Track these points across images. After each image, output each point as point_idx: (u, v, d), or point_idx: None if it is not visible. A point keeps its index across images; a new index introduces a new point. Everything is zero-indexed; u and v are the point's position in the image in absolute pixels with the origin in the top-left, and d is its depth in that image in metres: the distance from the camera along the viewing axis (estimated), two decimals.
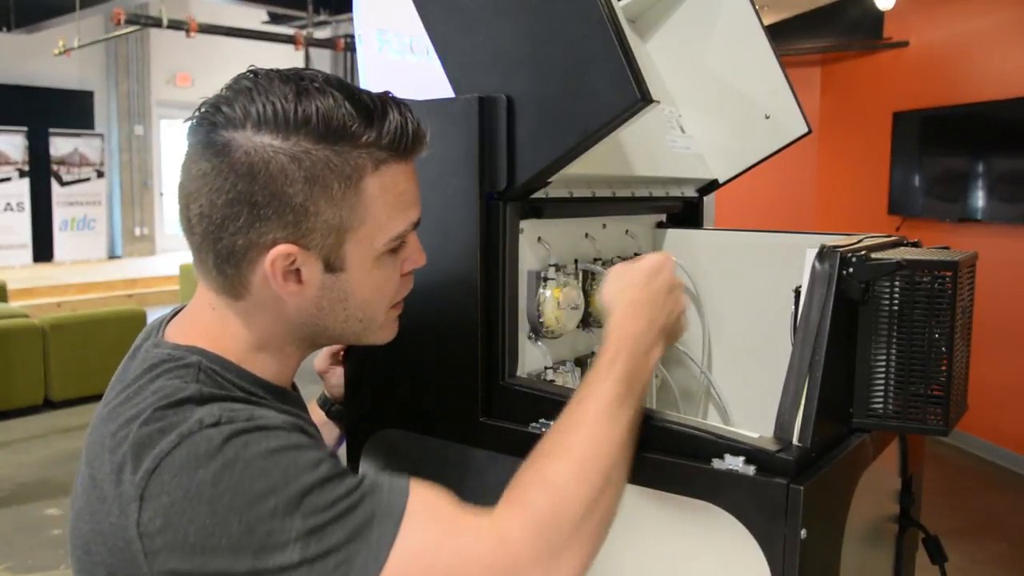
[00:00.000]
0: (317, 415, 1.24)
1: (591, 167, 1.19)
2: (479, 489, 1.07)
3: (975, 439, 5.13)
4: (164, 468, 0.74)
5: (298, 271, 0.83)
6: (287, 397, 0.93)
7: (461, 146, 1.07)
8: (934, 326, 1.00)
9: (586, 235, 1.36)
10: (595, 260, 1.35)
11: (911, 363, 1.01)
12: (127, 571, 0.76)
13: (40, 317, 6.20)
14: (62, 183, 12.17)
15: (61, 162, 12.17)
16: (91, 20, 10.70)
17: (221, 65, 13.79)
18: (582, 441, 0.85)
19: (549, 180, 1.11)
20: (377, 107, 0.83)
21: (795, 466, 0.89)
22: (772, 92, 1.52)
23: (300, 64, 14.01)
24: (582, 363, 1.34)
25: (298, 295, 0.85)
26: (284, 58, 13.41)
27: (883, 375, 1.02)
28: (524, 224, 1.16)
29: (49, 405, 5.98)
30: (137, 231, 13.23)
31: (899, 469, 1.29)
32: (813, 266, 1.00)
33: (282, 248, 0.81)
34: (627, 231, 1.47)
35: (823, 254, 1.00)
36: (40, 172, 11.91)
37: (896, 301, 1.01)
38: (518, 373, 1.14)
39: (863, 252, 1.02)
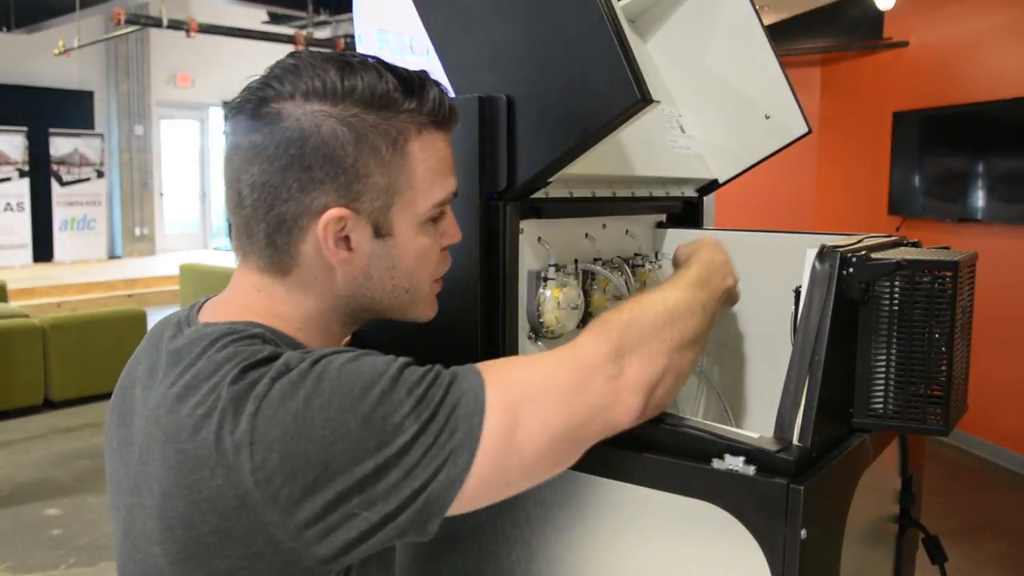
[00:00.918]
0: None
1: (591, 167, 1.19)
2: None
3: (975, 439, 5.14)
4: (265, 408, 0.76)
5: (348, 238, 0.86)
6: None
7: (461, 146, 1.07)
8: (934, 326, 1.00)
9: (586, 235, 1.36)
10: (595, 260, 1.35)
11: (911, 363, 1.01)
12: (243, 529, 0.76)
13: (40, 317, 6.20)
14: (62, 183, 12.17)
15: (61, 162, 12.17)
16: (91, 20, 10.70)
17: (221, 65, 13.91)
18: (651, 295, 0.99)
19: (549, 180, 1.11)
20: (416, 80, 0.87)
21: (795, 466, 0.89)
22: (772, 92, 1.52)
23: None
24: None
25: (348, 263, 0.87)
26: None
27: (883, 375, 1.02)
28: (524, 224, 1.16)
29: (49, 405, 5.98)
30: (137, 231, 13.23)
31: (899, 469, 1.29)
32: (813, 266, 1.00)
33: (335, 212, 0.84)
34: (627, 231, 1.47)
35: (823, 254, 1.00)
36: (40, 172, 11.91)
37: (896, 301, 1.01)
38: None
39: (863, 252, 1.02)
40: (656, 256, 1.53)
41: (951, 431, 1.03)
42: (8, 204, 11.59)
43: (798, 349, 0.98)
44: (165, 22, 9.35)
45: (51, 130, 12.05)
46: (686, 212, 1.58)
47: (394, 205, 0.87)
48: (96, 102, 12.86)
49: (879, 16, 5.94)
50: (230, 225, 0.92)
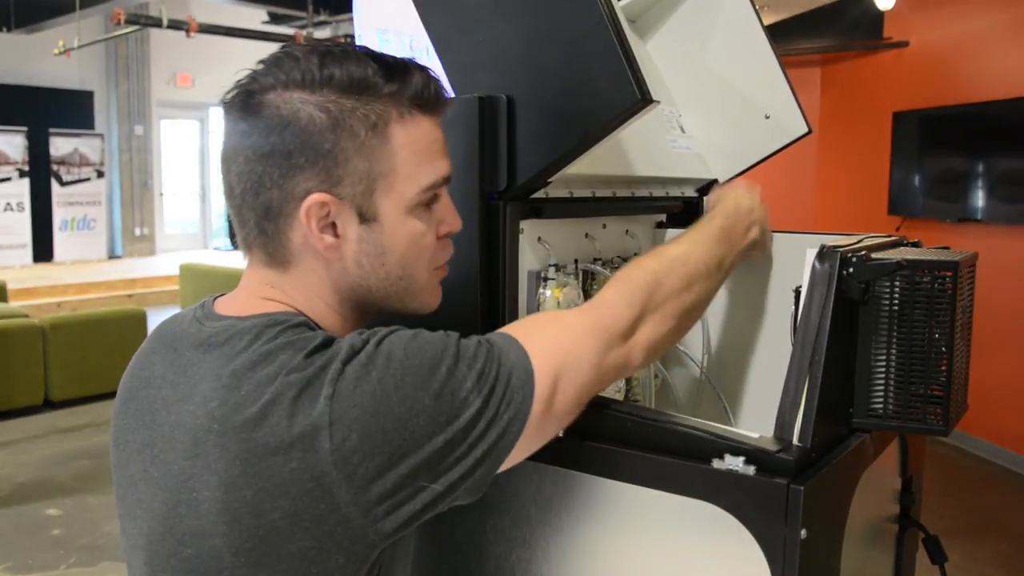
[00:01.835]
0: None
1: (591, 167, 1.19)
2: None
3: (975, 439, 5.14)
4: (341, 389, 0.78)
5: (333, 224, 0.86)
6: None
7: (461, 146, 1.07)
8: (934, 326, 1.00)
9: (586, 235, 1.36)
10: (595, 260, 1.35)
11: (911, 363, 1.01)
12: (316, 510, 0.77)
13: (40, 317, 6.20)
14: (62, 183, 12.17)
15: (61, 162, 12.16)
16: (91, 20, 10.70)
17: (221, 65, 13.85)
18: (674, 251, 1.05)
19: (549, 180, 1.11)
20: (399, 65, 0.87)
21: (795, 466, 0.89)
22: (772, 92, 1.52)
23: None
24: None
25: (336, 250, 0.87)
26: None
27: (883, 375, 1.02)
28: (524, 224, 1.16)
29: (49, 405, 5.98)
30: (137, 231, 13.22)
31: (899, 469, 1.29)
32: (813, 266, 1.00)
33: (316, 197, 0.84)
34: (627, 231, 1.47)
35: (823, 254, 1.00)
36: (40, 172, 11.91)
37: (896, 301, 1.01)
38: None
39: (863, 252, 1.02)
40: None
41: (951, 431, 1.03)
42: (8, 204, 11.59)
43: (798, 349, 0.98)
44: (165, 22, 9.35)
45: (51, 130, 12.04)
46: (686, 212, 1.58)
47: (377, 190, 0.86)
48: (96, 102, 12.86)
49: (879, 16, 5.94)
50: (230, 225, 0.93)
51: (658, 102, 1.00)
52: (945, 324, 1.00)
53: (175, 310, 0.99)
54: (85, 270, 11.29)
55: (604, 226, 1.41)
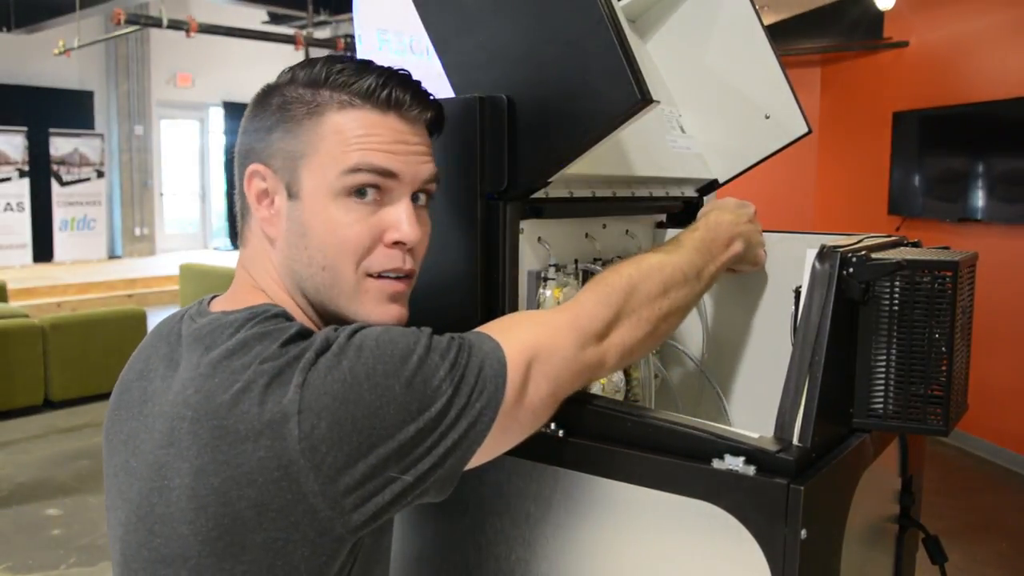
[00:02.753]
0: None
1: (591, 167, 1.19)
2: (479, 489, 1.07)
3: (975, 439, 5.14)
4: (312, 378, 0.79)
5: (269, 196, 0.92)
6: None
7: (461, 146, 1.07)
8: (934, 326, 1.00)
9: (586, 235, 1.36)
10: (595, 260, 1.35)
11: (911, 363, 1.01)
12: (282, 500, 0.77)
13: (40, 317, 6.20)
14: (62, 183, 12.17)
15: (61, 162, 12.17)
16: (91, 20, 10.70)
17: (221, 65, 13.90)
18: (652, 259, 1.07)
19: (549, 180, 1.11)
20: (361, 66, 0.92)
21: (795, 466, 0.89)
22: (772, 92, 1.52)
23: None
24: None
25: (272, 226, 0.92)
26: (284, 58, 13.41)
27: (883, 375, 1.02)
28: (524, 224, 1.16)
29: (49, 405, 5.98)
30: (137, 231, 13.22)
31: (899, 469, 1.29)
32: (813, 266, 1.00)
33: (253, 166, 0.92)
34: (627, 231, 1.47)
35: (823, 254, 1.00)
36: (40, 172, 11.91)
37: (896, 301, 1.01)
38: None
39: (863, 252, 1.02)
40: None
41: (951, 431, 1.03)
42: (8, 204, 11.59)
43: (798, 349, 0.98)
44: (165, 22, 9.35)
45: (51, 130, 12.04)
46: (686, 212, 1.58)
47: (301, 167, 0.90)
48: (96, 102, 12.86)
49: (879, 16, 5.94)
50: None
51: (658, 102, 1.00)
52: (945, 324, 1.00)
53: (175, 310, 1.00)
54: (85, 270, 11.29)
55: (604, 226, 1.41)
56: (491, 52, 1.08)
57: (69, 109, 12.41)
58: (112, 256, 12.87)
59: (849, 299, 1.00)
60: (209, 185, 14.40)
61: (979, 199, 5.18)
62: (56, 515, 4.18)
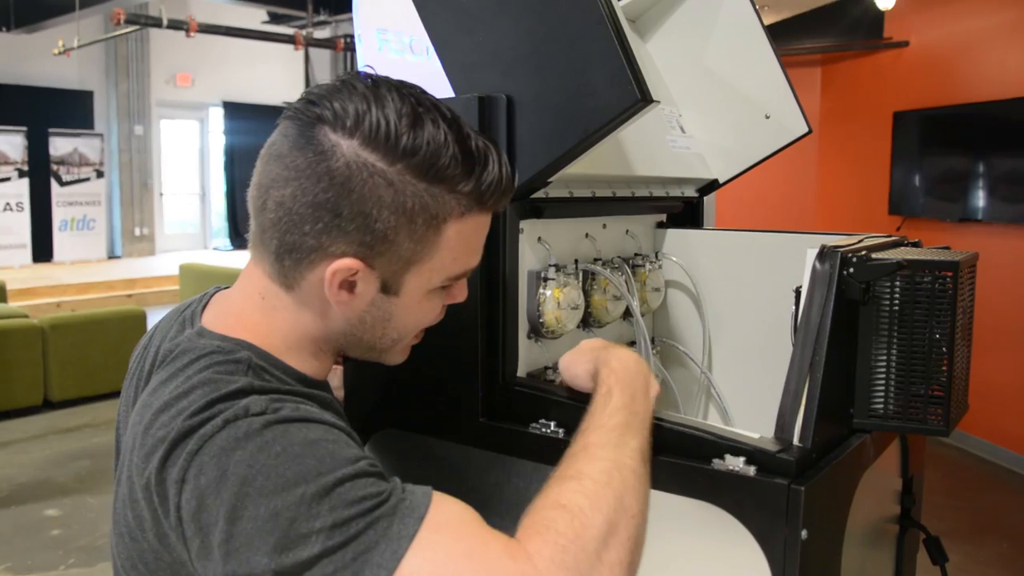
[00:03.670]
0: None
1: (591, 167, 1.19)
2: (479, 489, 1.07)
3: (976, 439, 5.13)
4: (205, 450, 0.74)
5: (353, 283, 0.84)
6: (328, 393, 0.94)
7: None
8: (935, 326, 1.00)
9: (586, 235, 1.36)
10: (595, 260, 1.35)
11: (912, 363, 1.01)
12: (170, 557, 0.78)
13: (40, 317, 6.19)
14: (62, 183, 12.17)
15: (61, 162, 12.16)
16: (91, 20, 10.70)
17: (221, 65, 13.87)
18: (590, 467, 0.81)
19: (549, 180, 1.11)
20: (480, 156, 0.84)
21: (796, 467, 0.89)
22: (772, 92, 1.52)
23: (300, 64, 14.04)
24: None
25: (346, 305, 0.86)
26: (284, 58, 13.42)
27: (884, 375, 1.02)
28: (524, 224, 1.16)
29: (48, 405, 5.98)
30: (137, 231, 13.23)
31: (900, 469, 1.29)
32: (813, 266, 1.00)
33: (348, 262, 0.82)
34: (627, 231, 1.47)
35: (823, 254, 1.00)
36: (40, 172, 11.91)
37: (897, 301, 1.01)
38: (518, 373, 1.14)
39: (863, 252, 1.02)
40: (656, 256, 1.53)
41: (952, 431, 1.03)
42: (7, 204, 11.59)
43: (798, 349, 0.98)
44: (165, 22, 9.36)
45: (51, 130, 12.04)
46: (686, 212, 1.58)
47: (409, 272, 0.86)
48: (96, 102, 12.86)
49: (879, 16, 5.94)
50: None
51: (658, 102, 1.00)
52: (946, 324, 1.00)
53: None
54: (85, 270, 11.29)
55: (604, 226, 1.41)
56: (491, 52, 1.08)
57: (69, 109, 12.40)
58: (112, 256, 12.87)
59: (849, 299, 1.00)
60: (209, 185, 14.40)
61: (980, 199, 5.18)
62: (55, 515, 4.18)
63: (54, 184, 12.08)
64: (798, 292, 1.03)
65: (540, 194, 1.14)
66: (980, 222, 5.18)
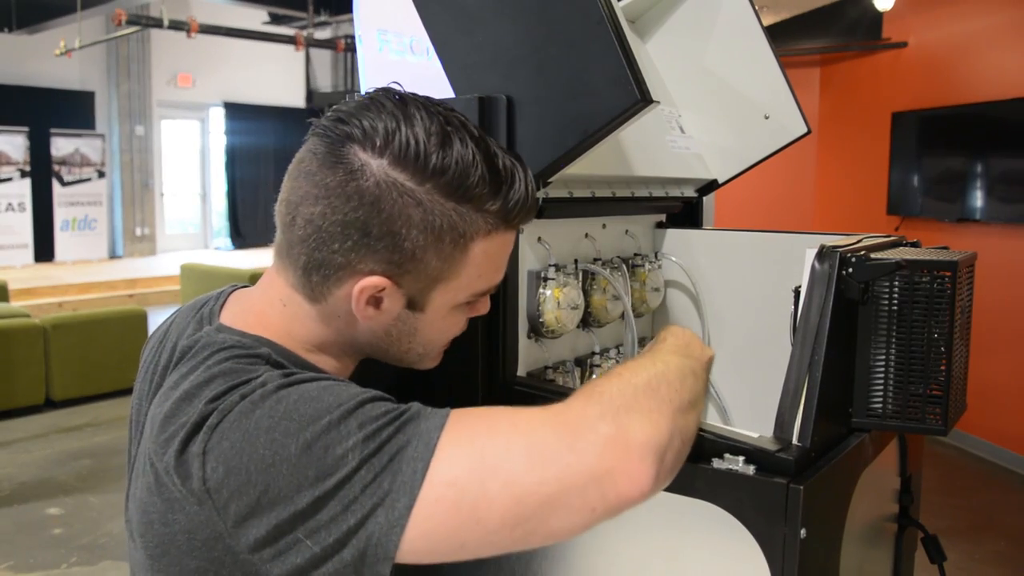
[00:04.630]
0: None
1: (591, 167, 1.19)
2: None
3: (974, 439, 5.14)
4: (224, 422, 0.76)
5: (380, 299, 0.86)
6: None
7: None
8: (933, 326, 1.00)
9: (586, 235, 1.36)
10: (595, 260, 1.35)
11: (910, 363, 1.01)
12: (204, 534, 0.77)
13: (41, 317, 6.20)
14: (63, 183, 12.18)
15: (62, 162, 12.17)
16: (92, 21, 10.71)
17: (221, 65, 13.87)
18: (642, 363, 0.87)
19: (549, 180, 1.11)
20: (508, 175, 0.85)
21: (795, 466, 0.89)
22: (772, 92, 1.52)
23: (301, 64, 14.05)
24: (582, 363, 1.34)
25: (372, 319, 0.87)
26: (285, 59, 13.42)
27: (882, 375, 1.02)
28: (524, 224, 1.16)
29: (50, 405, 5.98)
30: (138, 231, 13.23)
31: (898, 468, 1.29)
32: (813, 266, 1.00)
33: (376, 280, 0.84)
34: (627, 231, 1.47)
35: (823, 254, 1.00)
36: (41, 172, 11.92)
37: (895, 301, 1.01)
38: (518, 373, 1.14)
39: (862, 252, 1.02)
40: (656, 256, 1.53)
41: (950, 431, 1.03)
42: (9, 204, 11.60)
43: (798, 349, 0.98)
44: (166, 23, 9.36)
45: (52, 130, 12.05)
46: (686, 212, 1.58)
47: (436, 289, 0.87)
48: (97, 102, 12.87)
49: (878, 17, 5.95)
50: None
51: (658, 102, 1.00)
52: (944, 324, 1.00)
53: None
54: (86, 270, 11.30)
55: (604, 226, 1.41)
56: (491, 52, 1.08)
57: (70, 109, 12.41)
58: (113, 256, 12.88)
59: (848, 299, 1.00)
60: (210, 185, 14.41)
61: (978, 199, 5.18)
62: (57, 514, 4.18)
63: (56, 184, 12.10)
64: (797, 292, 1.04)
65: (540, 194, 1.14)
66: (978, 222, 5.18)
